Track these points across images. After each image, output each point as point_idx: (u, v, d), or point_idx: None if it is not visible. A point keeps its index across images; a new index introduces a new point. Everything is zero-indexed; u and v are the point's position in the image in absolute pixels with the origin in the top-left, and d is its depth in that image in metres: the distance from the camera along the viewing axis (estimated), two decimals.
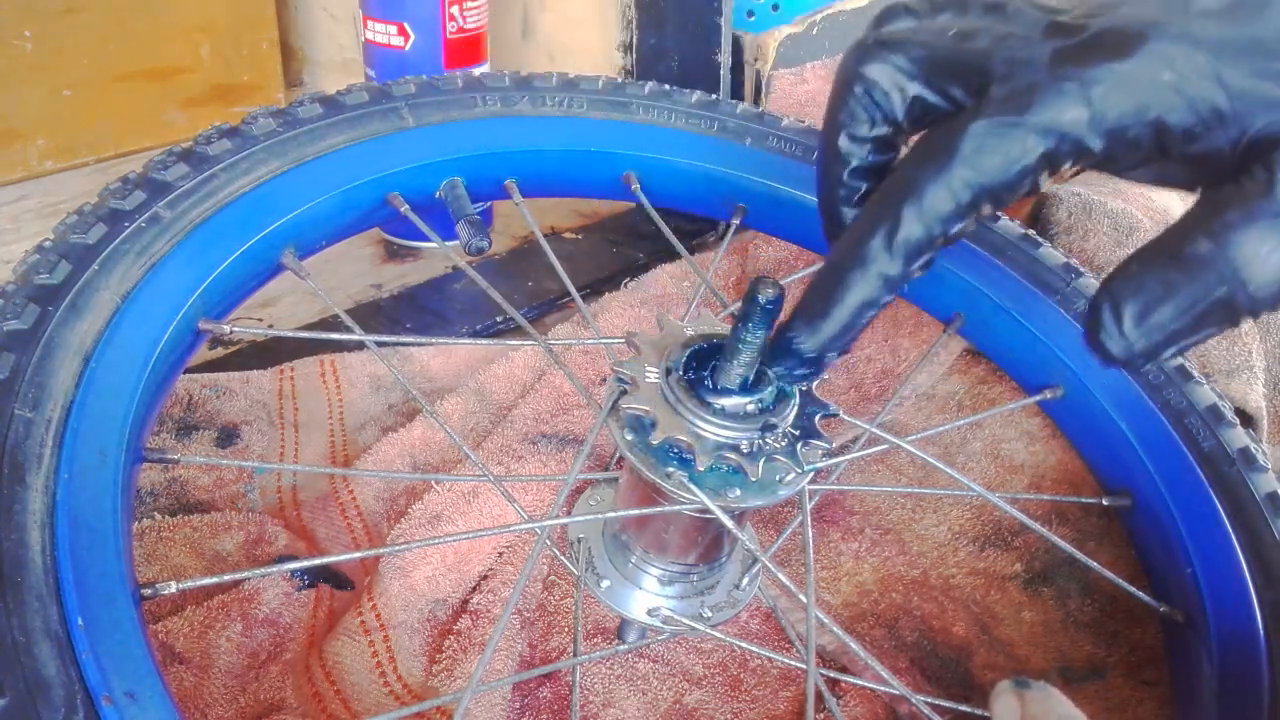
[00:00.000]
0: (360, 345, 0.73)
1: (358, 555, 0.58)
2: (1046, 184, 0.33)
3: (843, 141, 0.37)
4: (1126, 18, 0.32)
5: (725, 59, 0.89)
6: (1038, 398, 0.62)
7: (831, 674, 0.51)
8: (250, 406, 0.67)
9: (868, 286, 0.34)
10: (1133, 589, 0.53)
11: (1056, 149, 0.32)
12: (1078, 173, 0.34)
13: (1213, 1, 0.31)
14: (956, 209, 0.33)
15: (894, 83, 0.35)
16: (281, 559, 0.56)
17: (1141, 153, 0.32)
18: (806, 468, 0.40)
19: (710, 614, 0.48)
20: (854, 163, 0.37)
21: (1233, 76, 0.30)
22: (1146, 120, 0.31)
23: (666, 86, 0.68)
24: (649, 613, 0.48)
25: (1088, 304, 0.32)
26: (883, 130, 0.36)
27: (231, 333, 0.49)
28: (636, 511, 0.45)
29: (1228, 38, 0.31)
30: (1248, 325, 0.67)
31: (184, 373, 0.55)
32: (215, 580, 0.39)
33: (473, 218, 0.57)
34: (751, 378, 0.41)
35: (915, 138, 0.36)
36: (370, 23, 0.84)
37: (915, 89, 0.35)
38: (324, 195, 0.54)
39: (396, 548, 0.53)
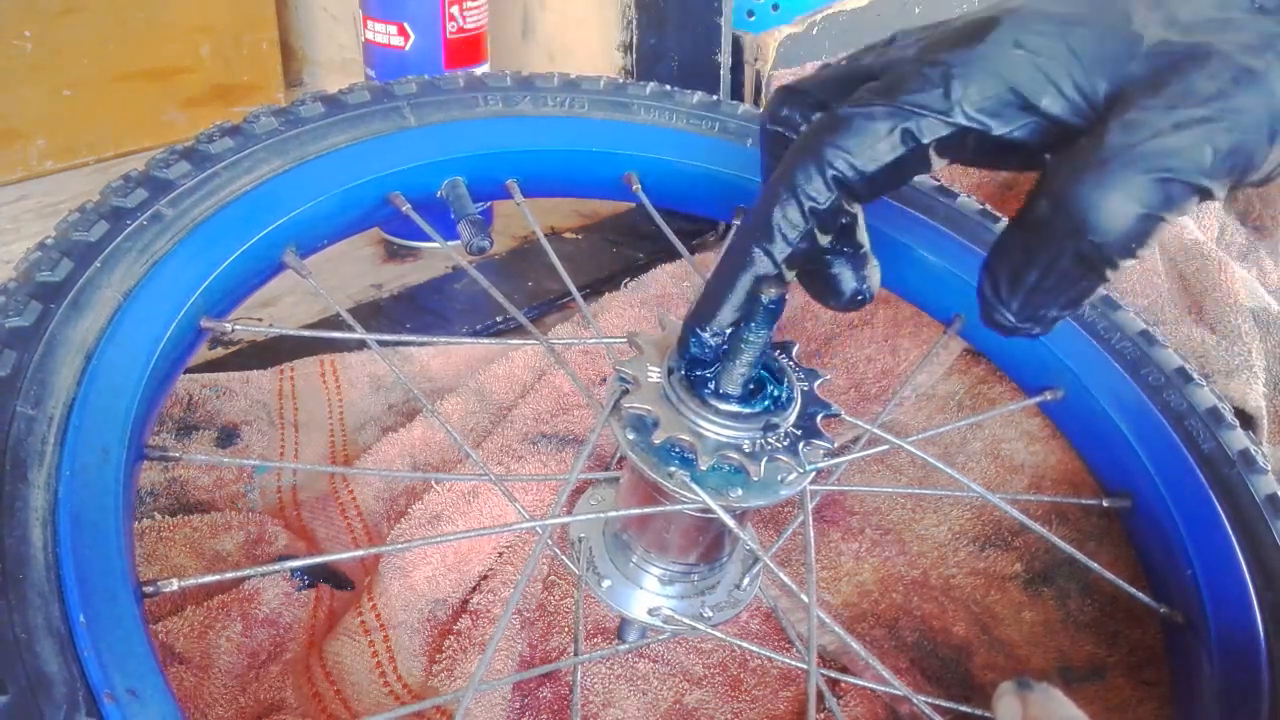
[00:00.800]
0: (360, 345, 0.73)
1: (358, 554, 0.58)
2: (937, 166, 0.35)
3: None
4: (987, 7, 0.35)
5: (725, 59, 0.89)
6: (1038, 399, 0.62)
7: (832, 674, 0.51)
8: (250, 406, 0.67)
9: (756, 261, 0.37)
10: (1133, 590, 0.53)
11: (919, 128, 0.33)
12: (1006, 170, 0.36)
13: None
14: (824, 184, 0.35)
15: (802, 117, 0.39)
16: (282, 559, 0.55)
17: (1015, 127, 0.33)
18: (809, 467, 0.40)
19: (711, 614, 0.48)
20: None
21: (1080, 43, 0.32)
22: (1005, 92, 0.33)
23: (668, 87, 0.68)
24: (650, 612, 0.48)
25: (981, 279, 0.35)
26: None
27: (233, 331, 0.49)
28: (638, 511, 0.45)
29: (1075, 6, 0.33)
30: (1247, 325, 0.67)
31: (184, 373, 0.55)
32: (216, 578, 0.39)
33: (474, 217, 0.57)
34: (753, 382, 0.41)
35: None
36: (370, 23, 0.84)
37: (816, 116, 0.38)
38: (326, 194, 0.54)
39: (397, 546, 0.53)
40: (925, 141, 0.34)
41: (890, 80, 0.34)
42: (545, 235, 0.78)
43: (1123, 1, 0.33)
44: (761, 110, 0.41)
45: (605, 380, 0.71)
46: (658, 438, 0.40)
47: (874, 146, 0.34)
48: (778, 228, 0.36)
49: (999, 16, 0.34)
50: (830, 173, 0.34)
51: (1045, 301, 0.33)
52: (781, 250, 0.36)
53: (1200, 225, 0.78)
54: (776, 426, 0.40)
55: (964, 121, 0.33)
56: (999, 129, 0.33)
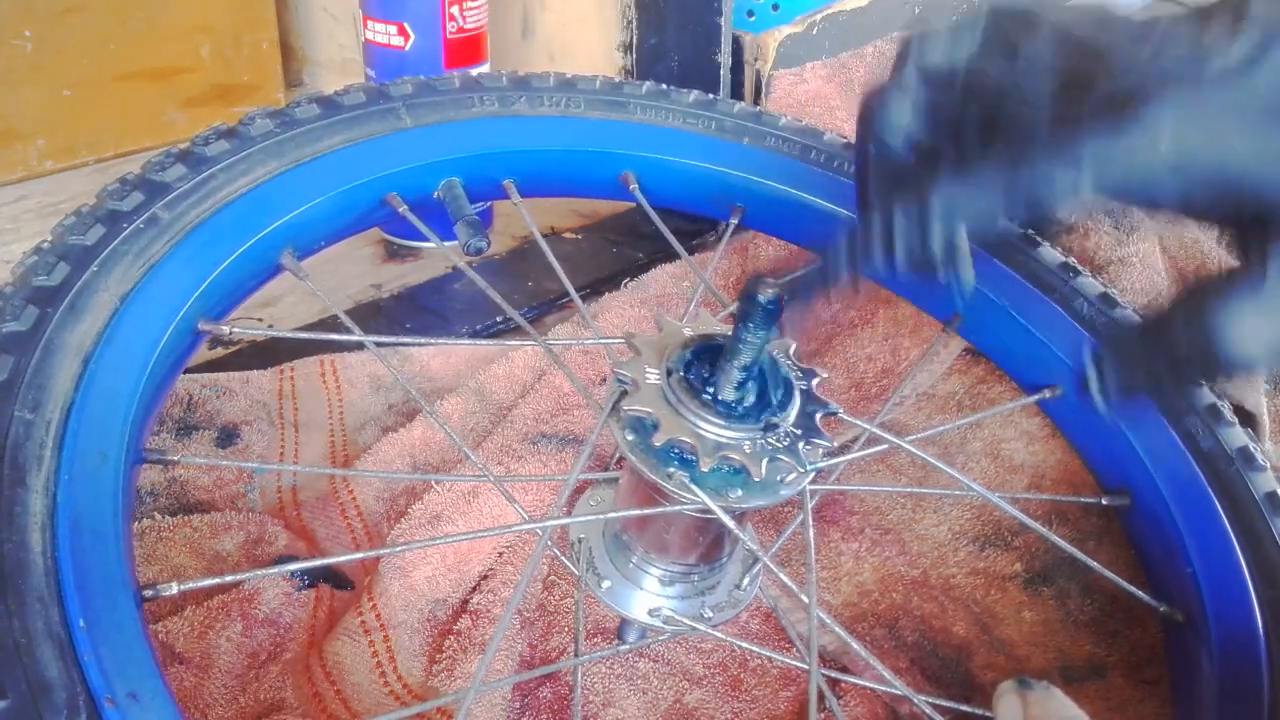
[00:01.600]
0: (360, 345, 0.73)
1: (358, 556, 0.58)
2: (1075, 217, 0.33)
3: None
4: (1135, 78, 0.31)
5: (725, 59, 0.89)
6: (1037, 397, 0.62)
7: (832, 674, 0.51)
8: (250, 406, 0.67)
9: (832, 271, 0.37)
10: (1132, 589, 0.53)
11: (1041, 198, 0.32)
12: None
13: (1231, 56, 0.30)
14: (924, 240, 0.34)
15: (904, 134, 0.37)
16: (281, 559, 0.56)
17: (1142, 204, 0.32)
18: (808, 467, 0.40)
19: (711, 614, 0.48)
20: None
21: (1237, 142, 0.29)
22: (1141, 182, 0.31)
23: (664, 86, 0.68)
24: (650, 613, 0.48)
25: (1086, 360, 0.34)
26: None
27: (231, 333, 0.49)
28: (638, 512, 0.45)
29: (1236, 99, 0.30)
30: None
31: (184, 373, 0.55)
32: (216, 581, 0.39)
33: (471, 218, 0.57)
34: (752, 392, 0.41)
35: None
36: (370, 23, 0.84)
37: (926, 138, 0.36)
38: (322, 196, 0.54)
39: (397, 548, 0.53)
40: (1045, 210, 0.32)
41: (1017, 151, 0.32)
42: (545, 235, 0.78)
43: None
44: (859, 118, 0.38)
45: (605, 380, 0.71)
46: (658, 439, 0.40)
47: (988, 210, 0.32)
48: (868, 251, 0.35)
49: (1148, 98, 0.30)
50: (936, 232, 0.33)
51: (1150, 396, 0.33)
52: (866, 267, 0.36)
53: (1201, 224, 0.78)
54: (776, 426, 0.40)
55: (1092, 199, 0.31)
56: (1128, 202, 0.32)
